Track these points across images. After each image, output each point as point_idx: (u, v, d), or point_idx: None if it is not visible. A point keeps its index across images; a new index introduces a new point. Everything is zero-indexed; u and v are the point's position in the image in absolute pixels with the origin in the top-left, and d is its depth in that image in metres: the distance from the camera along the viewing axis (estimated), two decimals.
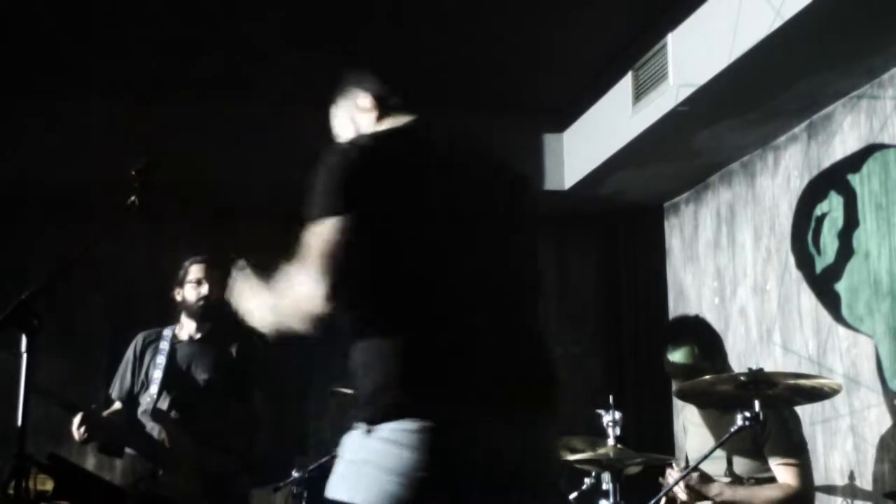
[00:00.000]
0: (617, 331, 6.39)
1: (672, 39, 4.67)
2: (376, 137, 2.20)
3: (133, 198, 2.41)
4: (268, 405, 4.28)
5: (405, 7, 4.61)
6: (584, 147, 5.76)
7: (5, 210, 5.78)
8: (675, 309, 6.14)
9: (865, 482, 4.23)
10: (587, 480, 3.68)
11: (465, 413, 1.96)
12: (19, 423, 2.27)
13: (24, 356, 2.24)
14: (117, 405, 4.20)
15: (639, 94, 5.00)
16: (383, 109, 2.34)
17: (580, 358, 6.46)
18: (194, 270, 4.25)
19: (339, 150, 2.10)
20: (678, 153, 5.31)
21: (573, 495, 3.74)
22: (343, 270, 1.97)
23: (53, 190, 5.73)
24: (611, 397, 3.55)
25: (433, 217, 2.08)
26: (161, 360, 4.18)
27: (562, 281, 6.55)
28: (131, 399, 4.18)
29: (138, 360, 4.25)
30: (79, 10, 4.58)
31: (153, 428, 4.02)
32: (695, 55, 4.46)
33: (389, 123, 2.28)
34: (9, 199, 5.73)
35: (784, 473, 3.59)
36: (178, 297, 4.28)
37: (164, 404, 4.08)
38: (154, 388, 4.11)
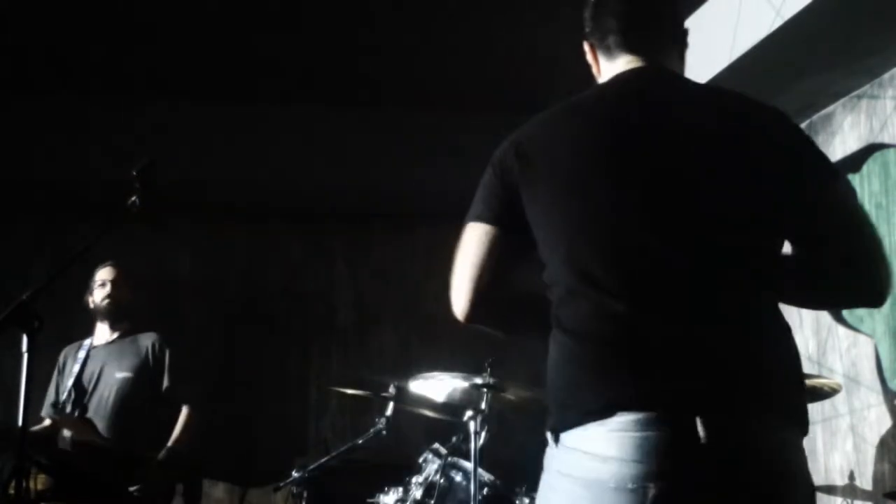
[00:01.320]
0: None
1: None
2: (540, 119, 1.90)
3: (134, 198, 2.41)
4: (199, 395, 4.35)
5: (405, 7, 4.60)
6: None
7: (6, 210, 5.77)
8: None
9: (865, 482, 4.23)
10: None
11: (677, 408, 1.60)
12: (20, 423, 2.28)
13: (25, 356, 2.24)
14: (46, 421, 4.33)
15: None
16: (601, 55, 1.95)
17: None
18: (99, 274, 4.45)
19: (500, 147, 1.89)
20: None
21: None
22: (484, 279, 1.81)
23: (53, 190, 5.73)
24: None
25: (616, 184, 1.75)
26: (76, 367, 4.36)
27: None
28: (57, 412, 4.32)
29: (60, 374, 4.45)
30: (79, 10, 4.58)
31: (64, 433, 4.15)
32: (694, 55, 4.45)
33: (609, 71, 1.94)
34: (9, 199, 5.72)
35: None
36: (90, 304, 4.42)
37: (74, 408, 4.24)
38: (65, 396, 4.29)
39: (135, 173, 2.41)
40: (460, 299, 1.85)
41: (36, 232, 5.88)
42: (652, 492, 1.57)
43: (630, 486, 1.58)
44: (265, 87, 5.38)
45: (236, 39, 4.91)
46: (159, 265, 6.08)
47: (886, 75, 4.20)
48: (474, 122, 5.83)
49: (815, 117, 4.70)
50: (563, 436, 1.68)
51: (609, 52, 1.95)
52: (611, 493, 1.59)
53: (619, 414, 1.60)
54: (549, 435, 1.72)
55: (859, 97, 4.37)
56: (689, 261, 1.70)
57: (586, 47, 2.00)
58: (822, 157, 1.85)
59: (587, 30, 1.98)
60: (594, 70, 2.00)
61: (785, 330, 1.80)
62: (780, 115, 1.91)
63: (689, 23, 4.76)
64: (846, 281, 1.79)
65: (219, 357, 5.73)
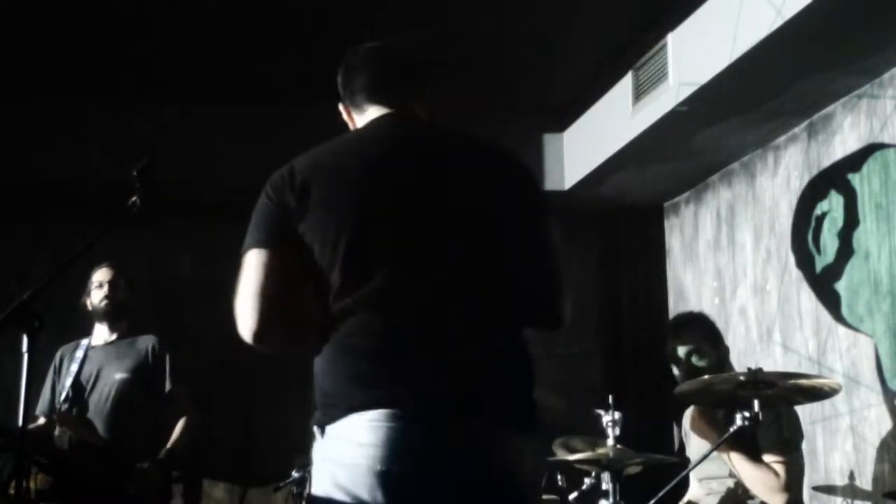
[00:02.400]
0: (617, 331, 6.39)
1: (672, 39, 4.67)
2: (308, 155, 2.16)
3: (134, 198, 2.41)
4: (199, 398, 4.37)
5: (404, 6, 4.60)
6: (584, 147, 5.76)
7: (6, 210, 5.77)
8: (675, 309, 6.14)
9: (865, 482, 4.23)
10: (587, 480, 3.68)
11: (420, 408, 1.92)
12: (20, 422, 2.28)
13: (25, 356, 2.24)
14: (41, 420, 4.34)
15: (639, 94, 5.00)
16: (353, 111, 2.27)
17: (580, 358, 6.46)
18: (96, 276, 4.45)
19: (271, 179, 2.12)
20: (678, 153, 5.31)
21: (573, 495, 3.74)
22: (273, 301, 1.99)
23: (54, 190, 5.73)
24: (610, 397, 3.55)
25: (379, 216, 2.03)
26: (74, 367, 4.37)
27: None
28: (53, 412, 4.33)
29: (57, 373, 4.45)
30: (79, 10, 4.58)
31: (62, 432, 4.15)
32: (695, 55, 4.46)
33: (359, 123, 2.25)
34: (9, 199, 5.72)
35: (771, 466, 3.60)
36: (88, 306, 4.42)
37: (72, 408, 4.25)
38: (63, 396, 4.29)
39: (135, 173, 2.41)
40: (249, 322, 1.99)
41: (36, 232, 5.88)
42: (397, 471, 1.89)
43: (379, 467, 1.89)
44: (265, 86, 5.38)
45: (236, 39, 4.91)
46: (159, 265, 6.09)
47: (886, 75, 4.20)
48: (474, 123, 5.85)
49: (815, 117, 4.70)
50: (329, 428, 1.96)
51: (360, 108, 2.25)
52: (364, 472, 1.89)
53: (376, 410, 1.91)
54: (315, 430, 1.98)
55: (859, 97, 4.37)
56: (427, 286, 2.01)
57: (341, 108, 2.29)
58: (540, 197, 2.20)
59: (341, 93, 2.28)
60: (350, 124, 2.28)
61: (516, 345, 2.07)
62: (507, 156, 2.20)
63: (690, 23, 4.77)
64: (534, 308, 2.12)
65: (219, 357, 5.72)
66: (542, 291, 2.10)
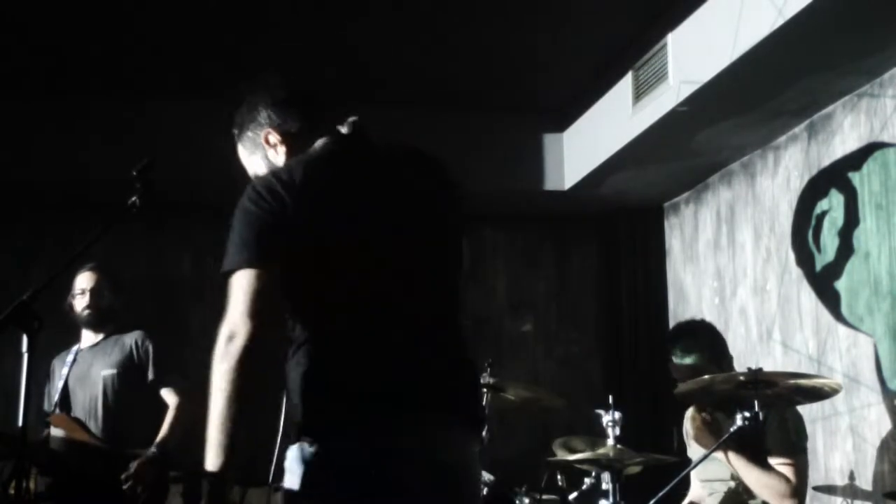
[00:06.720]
0: (617, 331, 6.38)
1: (672, 39, 4.67)
2: (299, 165, 2.14)
3: (134, 198, 2.41)
4: (184, 386, 4.37)
5: (404, 7, 4.60)
6: (584, 147, 5.76)
7: (6, 210, 5.77)
8: (675, 309, 6.14)
9: (865, 482, 4.23)
10: (587, 480, 3.68)
11: (388, 422, 2.02)
12: (20, 423, 2.28)
13: (25, 356, 2.24)
14: (45, 432, 4.33)
15: (639, 94, 5.00)
16: (293, 138, 2.27)
17: (580, 358, 6.46)
18: (78, 282, 4.41)
19: (250, 194, 2.07)
20: (678, 153, 5.32)
21: (573, 495, 3.74)
22: (266, 317, 1.99)
23: (53, 190, 5.73)
24: (610, 397, 3.55)
25: (359, 231, 2.09)
26: (64, 371, 4.38)
27: (562, 281, 6.56)
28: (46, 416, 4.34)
29: (50, 381, 4.45)
30: (78, 10, 4.58)
31: (56, 433, 4.18)
32: (695, 55, 4.46)
33: (301, 150, 2.23)
34: (9, 199, 5.72)
35: (779, 471, 3.59)
36: (71, 311, 4.41)
37: (63, 408, 4.27)
38: (55, 398, 4.30)
39: (135, 173, 2.41)
40: (248, 326, 1.97)
41: (36, 232, 5.88)
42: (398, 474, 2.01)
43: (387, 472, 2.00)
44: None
45: (237, 39, 4.91)
46: (159, 265, 6.09)
47: (886, 75, 4.20)
48: (474, 123, 5.85)
49: (815, 117, 4.70)
50: (323, 436, 2.02)
51: (305, 140, 2.24)
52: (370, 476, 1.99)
53: (379, 415, 2.02)
54: (302, 439, 2.04)
55: (859, 97, 4.37)
56: (411, 301, 2.12)
57: (267, 136, 2.28)
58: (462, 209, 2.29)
59: (271, 123, 2.27)
60: (271, 153, 2.28)
61: (467, 357, 2.20)
62: (443, 166, 2.30)
63: (690, 22, 4.77)
64: None
65: None
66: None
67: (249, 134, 2.30)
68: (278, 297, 2.02)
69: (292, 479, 2.05)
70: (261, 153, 2.29)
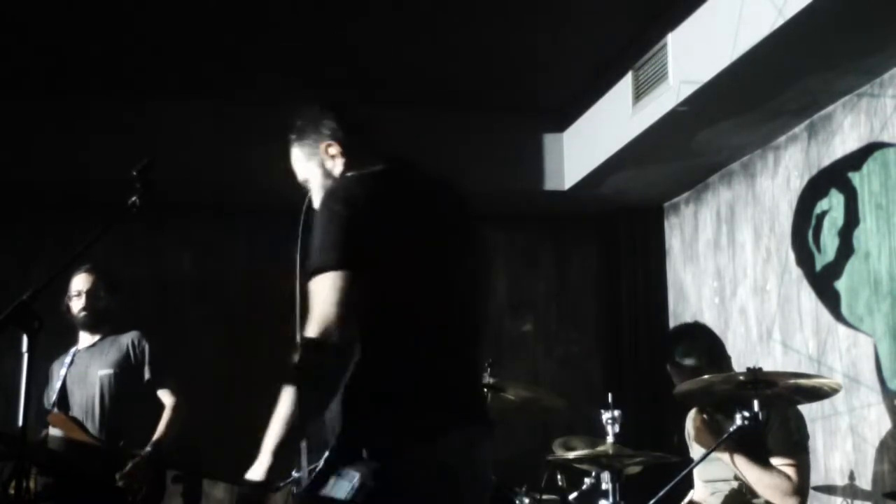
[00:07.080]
0: (617, 330, 6.38)
1: (672, 39, 4.67)
2: (372, 179, 2.25)
3: (134, 198, 2.41)
4: (180, 384, 4.39)
5: (404, 6, 4.60)
6: (584, 147, 5.76)
7: (6, 210, 5.77)
8: (675, 309, 6.14)
9: (865, 482, 4.23)
10: (587, 480, 3.68)
11: (444, 434, 2.11)
12: (20, 422, 2.28)
13: (25, 356, 2.24)
14: (43, 433, 4.32)
15: (639, 94, 5.00)
16: (352, 154, 2.39)
17: (580, 358, 6.46)
18: (74, 284, 4.42)
19: (338, 196, 2.16)
20: (678, 153, 5.31)
21: (573, 495, 3.73)
22: (349, 320, 2.05)
23: (53, 190, 5.73)
24: (610, 396, 3.55)
25: (421, 251, 2.20)
26: (62, 372, 4.40)
27: (562, 281, 6.55)
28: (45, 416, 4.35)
29: (49, 382, 4.49)
30: (78, 10, 4.58)
31: (54, 433, 4.19)
32: (695, 55, 4.46)
33: (358, 167, 2.34)
34: (9, 199, 5.72)
35: (782, 470, 3.59)
36: (68, 312, 4.43)
37: (61, 408, 4.29)
38: (53, 399, 4.32)
39: (135, 173, 2.41)
40: (337, 331, 2.04)
41: (36, 232, 5.88)
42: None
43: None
44: (265, 86, 5.37)
45: (237, 39, 4.91)
46: (159, 265, 6.09)
47: (886, 75, 4.19)
48: (474, 123, 5.85)
49: (815, 117, 4.70)
50: (385, 448, 2.07)
51: (363, 158, 2.35)
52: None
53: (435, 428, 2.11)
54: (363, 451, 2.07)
55: (859, 97, 4.37)
56: (464, 324, 2.28)
57: (328, 147, 2.40)
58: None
59: (334, 136, 2.40)
60: (329, 162, 2.40)
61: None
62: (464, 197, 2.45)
63: (690, 22, 4.78)
64: None
65: (219, 357, 5.72)
66: None
67: (310, 141, 2.41)
68: (359, 302, 2.07)
69: (341, 489, 2.06)
70: (317, 160, 2.40)
